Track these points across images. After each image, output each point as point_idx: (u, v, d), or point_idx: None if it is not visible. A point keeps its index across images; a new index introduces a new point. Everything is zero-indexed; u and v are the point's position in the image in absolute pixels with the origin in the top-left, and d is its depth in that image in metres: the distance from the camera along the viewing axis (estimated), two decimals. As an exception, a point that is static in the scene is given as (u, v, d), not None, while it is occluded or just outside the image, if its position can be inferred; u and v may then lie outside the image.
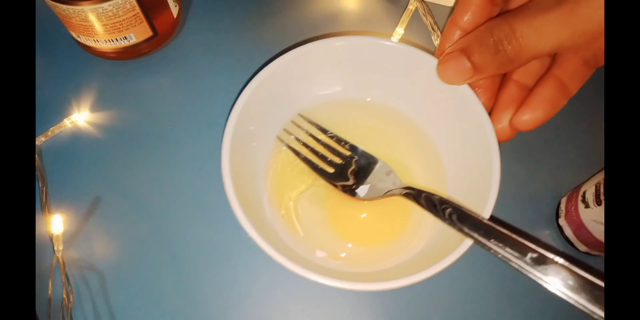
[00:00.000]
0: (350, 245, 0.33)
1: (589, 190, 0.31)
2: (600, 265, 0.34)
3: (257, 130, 0.33)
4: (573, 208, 0.33)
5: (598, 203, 0.30)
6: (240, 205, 0.28)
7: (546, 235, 0.35)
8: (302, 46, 0.33)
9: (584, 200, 0.32)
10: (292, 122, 0.35)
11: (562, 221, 0.34)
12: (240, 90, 0.31)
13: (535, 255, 0.25)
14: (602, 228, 0.31)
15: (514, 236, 0.26)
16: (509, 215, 0.36)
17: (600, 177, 0.31)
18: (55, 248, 0.32)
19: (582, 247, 0.33)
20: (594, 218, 0.31)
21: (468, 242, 0.27)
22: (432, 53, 0.32)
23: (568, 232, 0.34)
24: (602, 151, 0.37)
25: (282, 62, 0.32)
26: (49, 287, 0.31)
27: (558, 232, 0.35)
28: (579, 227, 0.32)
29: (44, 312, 0.31)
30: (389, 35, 0.41)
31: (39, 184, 0.35)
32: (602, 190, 0.30)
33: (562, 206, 0.35)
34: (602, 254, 0.34)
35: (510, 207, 0.36)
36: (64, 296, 0.32)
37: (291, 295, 0.33)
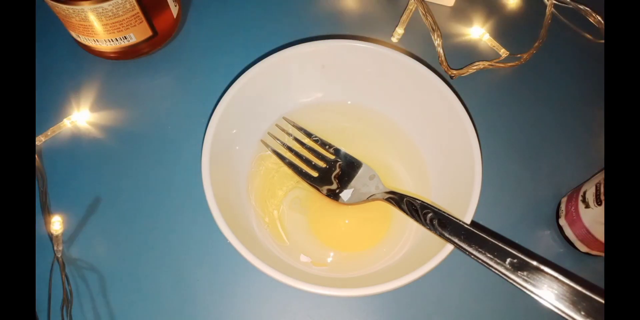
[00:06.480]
0: (333, 252, 0.33)
1: (589, 190, 0.31)
2: (600, 265, 0.34)
3: (239, 134, 0.33)
4: (573, 208, 0.33)
5: (598, 203, 0.30)
6: (220, 211, 0.28)
7: (546, 235, 0.35)
8: (283, 50, 0.33)
9: (584, 200, 0.32)
10: (277, 125, 0.35)
11: (562, 221, 0.34)
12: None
13: (515, 260, 0.25)
14: (602, 228, 0.31)
15: (495, 241, 0.26)
16: (509, 215, 0.36)
17: (600, 177, 0.31)
18: (55, 248, 0.32)
19: (583, 248, 0.33)
20: (594, 218, 0.31)
21: (449, 248, 0.27)
22: (416, 57, 0.32)
23: (568, 232, 0.34)
24: (602, 151, 0.37)
25: (265, 65, 0.32)
26: (49, 287, 0.31)
27: (558, 232, 0.35)
28: (580, 228, 0.32)
29: (44, 312, 0.31)
30: (388, 35, 0.41)
31: (39, 184, 0.35)
32: (602, 190, 0.30)
33: (563, 206, 0.35)
34: (603, 255, 0.34)
35: (510, 207, 0.36)
36: (64, 296, 0.32)
37: (291, 295, 0.33)
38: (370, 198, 0.32)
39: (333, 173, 0.34)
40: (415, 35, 0.41)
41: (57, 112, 0.38)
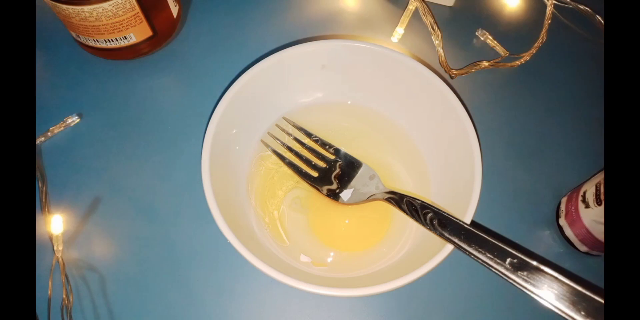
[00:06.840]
0: (333, 252, 0.33)
1: (589, 190, 0.31)
2: (600, 265, 0.34)
3: (239, 134, 0.33)
4: (573, 208, 0.33)
5: (598, 203, 0.30)
6: (220, 211, 0.28)
7: (546, 235, 0.35)
8: (283, 50, 0.33)
9: (584, 200, 0.32)
10: (277, 125, 0.35)
11: (562, 221, 0.34)
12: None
13: (515, 260, 0.25)
14: (602, 228, 0.31)
15: (495, 241, 0.26)
16: (509, 215, 0.36)
17: (600, 177, 0.31)
18: (55, 248, 0.32)
19: (582, 247, 0.33)
20: (594, 218, 0.31)
21: (449, 248, 0.27)
22: (416, 57, 0.32)
23: (568, 232, 0.34)
24: (602, 151, 0.37)
25: (265, 65, 0.32)
26: (49, 287, 0.31)
27: (558, 232, 0.35)
28: (580, 228, 0.32)
29: (44, 312, 0.31)
30: (388, 35, 0.41)
31: (39, 184, 0.35)
32: (602, 190, 0.30)
33: (563, 206, 0.35)
34: (602, 254, 0.34)
35: (510, 207, 0.36)
36: (64, 296, 0.32)
37: (291, 295, 0.33)
38: (370, 198, 0.32)
39: (333, 173, 0.34)
40: (415, 35, 0.41)
41: (57, 112, 0.38)
